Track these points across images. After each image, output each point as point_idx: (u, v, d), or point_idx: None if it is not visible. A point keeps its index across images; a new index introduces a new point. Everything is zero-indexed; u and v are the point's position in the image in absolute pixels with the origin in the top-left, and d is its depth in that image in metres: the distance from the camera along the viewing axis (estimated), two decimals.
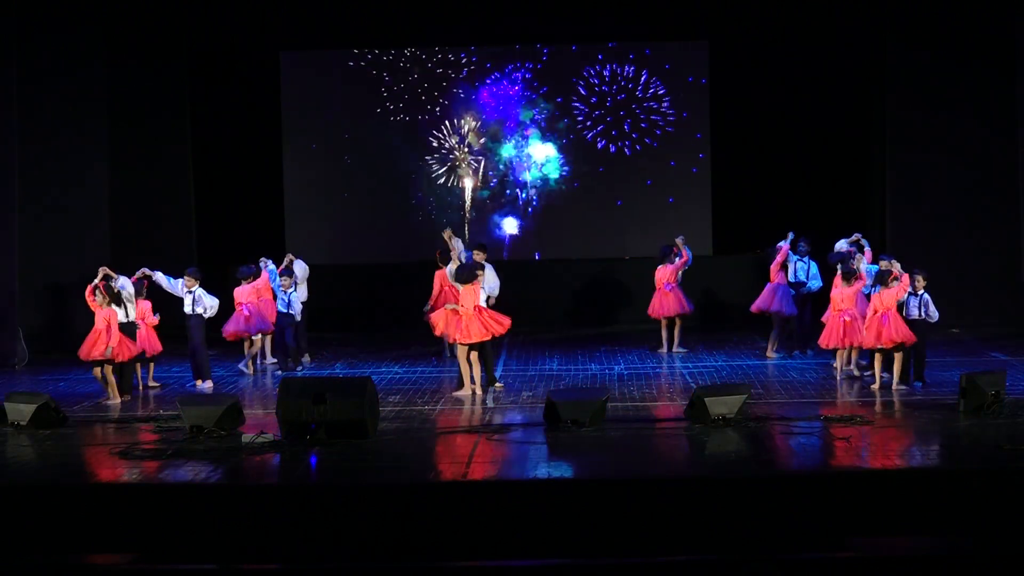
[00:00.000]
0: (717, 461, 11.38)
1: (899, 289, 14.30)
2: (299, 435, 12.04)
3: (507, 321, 14.85)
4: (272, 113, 22.15)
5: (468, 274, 14.81)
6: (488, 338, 14.63)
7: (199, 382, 15.80)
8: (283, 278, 16.73)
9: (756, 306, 17.26)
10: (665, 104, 21.96)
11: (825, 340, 15.15)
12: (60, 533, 9.94)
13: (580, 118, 22.20)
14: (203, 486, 10.65)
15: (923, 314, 14.47)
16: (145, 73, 20.90)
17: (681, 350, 18.00)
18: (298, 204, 22.39)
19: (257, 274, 16.76)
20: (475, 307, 14.66)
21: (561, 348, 18.97)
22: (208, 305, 15.46)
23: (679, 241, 18.11)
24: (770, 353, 17.27)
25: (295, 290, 16.91)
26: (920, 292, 14.56)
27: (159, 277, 15.55)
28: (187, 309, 15.56)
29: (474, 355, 14.62)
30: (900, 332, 14.28)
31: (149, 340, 15.61)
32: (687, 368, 16.76)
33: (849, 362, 15.46)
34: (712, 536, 9.67)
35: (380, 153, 22.20)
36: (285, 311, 16.72)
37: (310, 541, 9.86)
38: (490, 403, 14.32)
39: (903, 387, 14.43)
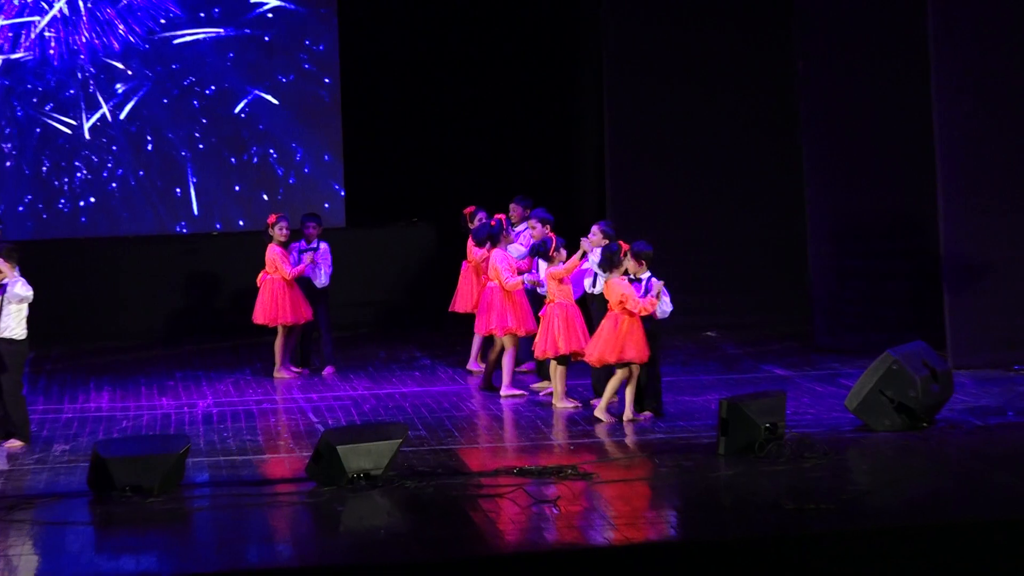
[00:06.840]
0: (357, 544, 8.97)
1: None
2: None
3: None
4: None
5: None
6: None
7: None
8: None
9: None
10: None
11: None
12: None
13: None
14: None
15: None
16: None
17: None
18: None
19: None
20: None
21: (113, 371, 14.85)
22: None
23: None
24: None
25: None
26: (643, 277, 11.66)
27: None
28: None
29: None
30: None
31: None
32: (311, 401, 13.24)
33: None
34: None
35: None
36: None
37: None
38: (5, 466, 10.97)
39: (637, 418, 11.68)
